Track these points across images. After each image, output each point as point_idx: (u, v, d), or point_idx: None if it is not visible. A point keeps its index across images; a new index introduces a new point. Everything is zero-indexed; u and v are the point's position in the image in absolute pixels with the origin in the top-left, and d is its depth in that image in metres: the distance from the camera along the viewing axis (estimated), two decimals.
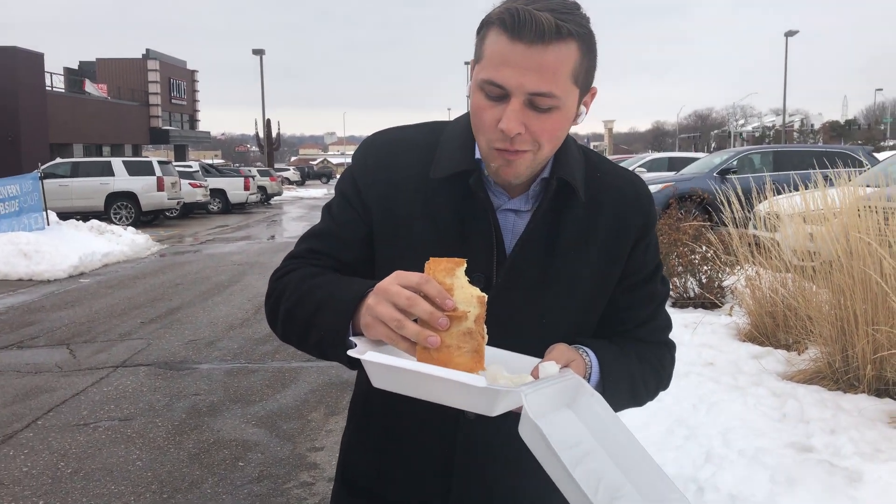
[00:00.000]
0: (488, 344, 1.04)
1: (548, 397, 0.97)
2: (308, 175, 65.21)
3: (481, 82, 1.07)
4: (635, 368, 1.19)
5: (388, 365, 0.94)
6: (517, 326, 1.16)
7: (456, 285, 0.96)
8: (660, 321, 1.28)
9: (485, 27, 1.08)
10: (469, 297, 0.95)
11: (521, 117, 1.05)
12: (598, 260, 1.20)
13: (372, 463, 1.28)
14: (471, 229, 1.16)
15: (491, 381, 0.97)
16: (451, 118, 1.28)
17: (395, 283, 0.98)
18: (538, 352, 1.10)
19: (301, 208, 28.38)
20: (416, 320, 0.96)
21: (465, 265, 0.98)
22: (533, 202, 1.19)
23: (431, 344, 0.94)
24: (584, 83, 1.11)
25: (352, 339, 1.04)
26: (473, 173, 1.15)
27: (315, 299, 1.12)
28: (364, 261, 1.21)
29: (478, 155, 1.17)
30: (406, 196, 1.18)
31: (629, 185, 1.26)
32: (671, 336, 1.32)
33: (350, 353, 0.99)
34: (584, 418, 0.99)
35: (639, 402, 1.23)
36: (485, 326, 0.96)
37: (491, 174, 1.14)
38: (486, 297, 0.96)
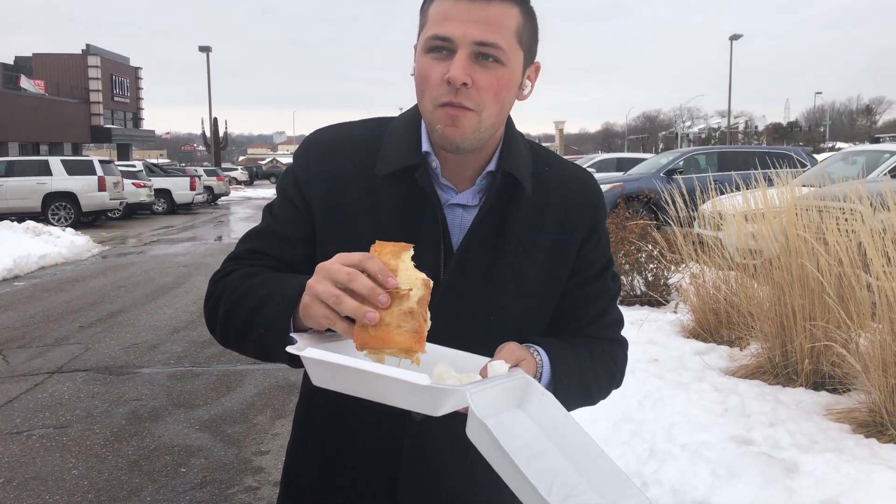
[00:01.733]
0: (436, 343, 1.01)
1: (496, 397, 0.94)
2: (256, 175, 64.35)
3: (427, 41, 1.06)
4: (587, 366, 1.17)
5: (328, 361, 0.90)
6: (465, 324, 1.13)
7: (401, 267, 0.93)
8: (611, 318, 1.27)
9: (426, 1, 1.09)
10: (413, 279, 0.92)
11: (467, 68, 1.04)
12: (547, 256, 1.18)
13: (315, 469, 1.24)
14: (417, 225, 1.13)
15: (437, 380, 0.94)
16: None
17: (337, 261, 0.95)
18: (487, 351, 1.07)
19: (249, 208, 27.92)
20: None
21: (413, 251, 0.94)
22: (480, 196, 1.16)
23: (370, 320, 0.90)
24: (528, 49, 1.11)
25: (293, 335, 1.00)
26: (420, 168, 1.12)
27: (254, 297, 1.08)
28: (306, 260, 1.16)
29: (425, 148, 1.14)
30: (349, 192, 1.15)
31: (577, 180, 1.24)
32: (623, 333, 1.31)
33: (289, 349, 0.95)
34: (536, 418, 0.97)
35: (591, 400, 1.21)
36: (428, 311, 0.93)
37: (437, 140, 1.10)
38: (432, 281, 0.94)
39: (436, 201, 1.13)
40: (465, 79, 1.03)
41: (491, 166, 1.16)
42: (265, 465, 3.96)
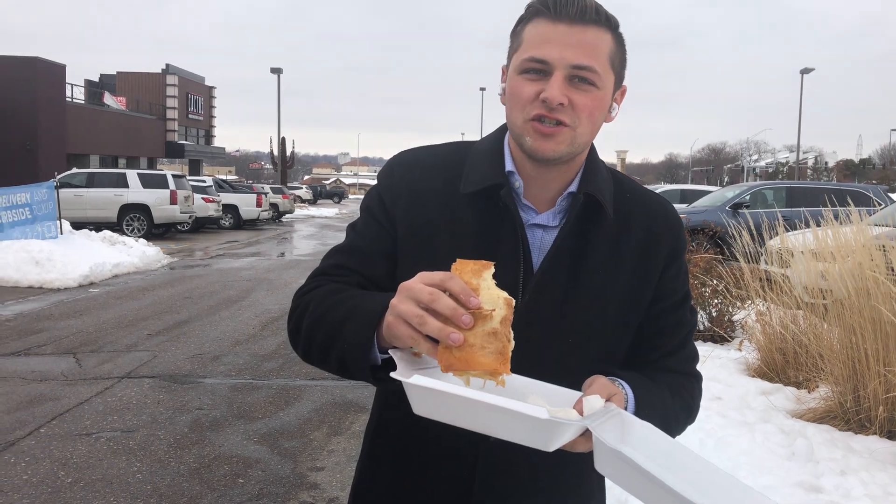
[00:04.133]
0: (518, 373, 0.99)
1: (610, 431, 0.91)
2: (320, 194, 65.65)
3: (522, 62, 1.09)
4: (668, 402, 1.15)
5: (438, 390, 0.87)
6: (543, 345, 1.13)
7: (482, 286, 0.92)
8: (689, 351, 1.26)
9: (521, 23, 1.12)
10: (496, 298, 0.91)
11: (563, 89, 1.06)
12: (628, 280, 1.18)
13: (385, 492, 1.24)
14: (498, 244, 1.14)
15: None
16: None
17: (419, 280, 0.95)
18: (562, 372, 1.07)
19: (312, 227, 28.48)
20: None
21: (493, 269, 0.94)
22: (560, 217, 1.17)
23: (454, 341, 0.89)
24: (619, 74, 1.13)
25: (391, 352, 0.99)
26: (504, 186, 1.14)
27: (338, 314, 1.08)
28: (389, 276, 1.18)
29: (508, 167, 1.16)
30: (432, 209, 1.17)
31: (659, 207, 1.24)
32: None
33: (393, 375, 0.93)
34: (643, 450, 0.93)
35: (670, 436, 1.20)
36: (511, 331, 0.91)
37: (527, 150, 1.11)
38: (514, 300, 0.92)
39: (518, 220, 1.14)
40: (563, 99, 1.06)
41: (572, 188, 1.17)
42: (320, 482, 4.00)
